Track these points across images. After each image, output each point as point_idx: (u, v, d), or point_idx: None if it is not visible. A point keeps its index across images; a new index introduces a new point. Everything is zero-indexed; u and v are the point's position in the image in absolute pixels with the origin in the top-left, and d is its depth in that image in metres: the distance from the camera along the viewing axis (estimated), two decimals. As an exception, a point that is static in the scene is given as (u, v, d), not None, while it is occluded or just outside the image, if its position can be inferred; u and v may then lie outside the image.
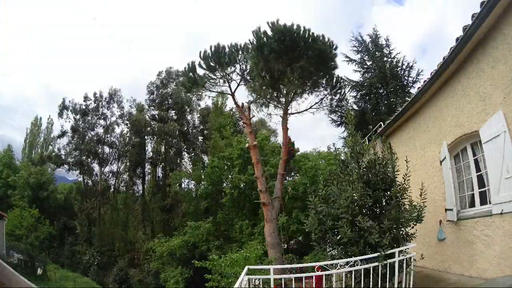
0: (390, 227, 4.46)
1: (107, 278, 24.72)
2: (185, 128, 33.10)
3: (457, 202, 5.14)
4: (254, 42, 11.55)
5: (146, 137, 33.05)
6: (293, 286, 4.94)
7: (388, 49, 14.12)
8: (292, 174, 18.73)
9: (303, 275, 4.55)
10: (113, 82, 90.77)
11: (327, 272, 4.40)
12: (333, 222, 4.83)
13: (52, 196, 30.94)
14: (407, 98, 9.57)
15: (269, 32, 11.17)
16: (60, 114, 32.26)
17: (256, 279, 4.87)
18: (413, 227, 4.74)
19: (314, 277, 4.52)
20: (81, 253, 27.85)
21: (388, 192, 4.85)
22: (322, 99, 13.14)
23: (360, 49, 14.34)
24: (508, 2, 3.81)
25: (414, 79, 13.28)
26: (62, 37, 72.83)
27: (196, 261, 9.58)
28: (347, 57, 14.21)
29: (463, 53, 4.76)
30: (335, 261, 4.54)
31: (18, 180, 28.70)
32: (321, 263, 4.45)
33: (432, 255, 5.62)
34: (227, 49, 12.31)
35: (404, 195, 4.79)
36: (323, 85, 13.01)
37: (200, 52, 12.37)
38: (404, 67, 13.68)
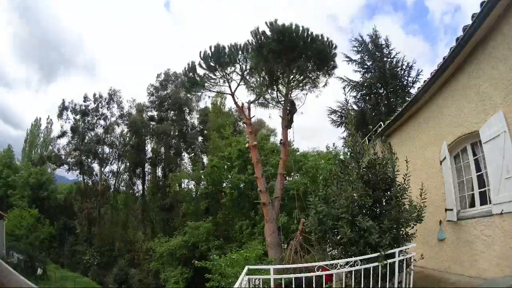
0: (390, 227, 4.46)
1: (107, 278, 24.71)
2: (185, 129, 33.12)
3: (457, 202, 5.14)
4: (253, 43, 11.56)
5: (145, 137, 33.06)
6: (293, 286, 4.93)
7: (388, 49, 14.11)
8: (292, 174, 18.73)
9: (303, 275, 4.55)
10: (113, 82, 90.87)
11: (327, 272, 4.40)
12: (333, 222, 4.83)
13: (52, 196, 30.92)
14: (407, 98, 9.57)
15: (268, 32, 11.18)
16: (60, 115, 32.30)
17: (256, 279, 4.87)
18: (413, 227, 4.73)
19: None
20: (81, 253, 27.82)
21: (388, 192, 4.85)
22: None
23: (360, 49, 14.32)
24: (508, 2, 3.81)
25: (414, 79, 13.27)
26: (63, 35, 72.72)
27: (196, 261, 9.61)
28: (347, 57, 14.21)
29: (463, 53, 4.75)
30: (335, 261, 4.53)
31: (18, 180, 28.67)
32: (321, 263, 4.44)
33: (432, 255, 5.61)
34: (227, 49, 12.32)
35: (404, 195, 4.78)
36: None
37: (200, 52, 12.38)
38: (404, 67, 13.66)
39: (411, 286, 4.41)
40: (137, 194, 34.16)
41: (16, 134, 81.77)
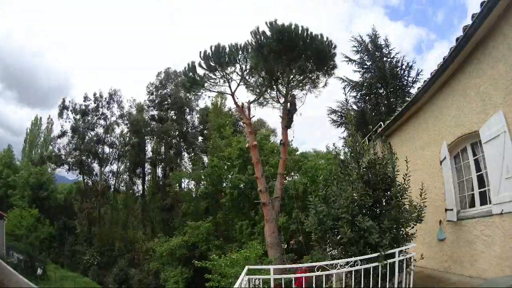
0: (390, 227, 4.46)
1: (107, 278, 24.71)
2: (185, 128, 33.11)
3: (457, 202, 5.14)
4: (253, 43, 11.57)
5: (145, 137, 33.05)
6: (293, 286, 4.94)
7: (387, 49, 14.09)
8: (292, 174, 18.72)
9: (303, 275, 4.55)
10: (113, 82, 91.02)
11: (327, 272, 4.40)
12: (333, 222, 4.83)
13: (52, 196, 30.93)
14: (407, 98, 9.57)
15: (268, 32, 11.19)
16: (60, 114, 32.28)
17: (256, 279, 4.87)
18: (413, 227, 4.73)
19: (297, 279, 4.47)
20: (81, 253, 27.82)
21: (388, 192, 4.84)
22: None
23: (360, 49, 14.30)
24: (508, 2, 3.81)
25: (414, 79, 13.26)
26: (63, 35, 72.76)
27: (196, 261, 9.61)
28: (346, 57, 14.18)
29: (463, 53, 4.75)
30: (335, 261, 4.53)
31: (18, 180, 28.68)
32: (321, 263, 4.44)
33: (432, 255, 5.61)
34: (227, 49, 12.32)
35: (404, 195, 4.78)
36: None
37: (200, 52, 12.38)
38: (403, 67, 13.65)
39: (411, 286, 4.41)
40: (137, 194, 34.15)
41: (15, 139, 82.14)
